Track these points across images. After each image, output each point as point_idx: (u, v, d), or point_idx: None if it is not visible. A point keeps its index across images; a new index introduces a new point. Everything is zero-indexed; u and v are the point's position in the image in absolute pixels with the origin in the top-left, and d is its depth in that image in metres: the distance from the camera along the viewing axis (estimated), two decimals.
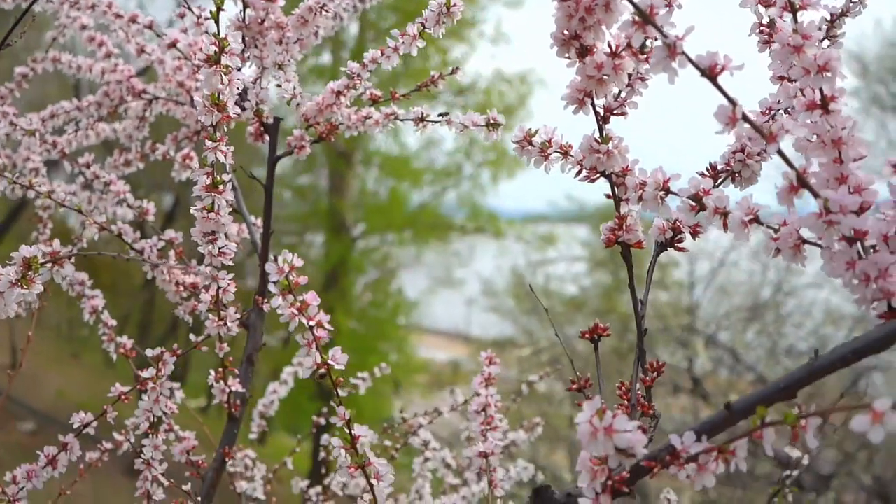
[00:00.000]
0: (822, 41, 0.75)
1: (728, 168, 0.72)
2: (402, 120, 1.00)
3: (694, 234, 0.70)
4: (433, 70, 1.00)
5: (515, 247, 11.58)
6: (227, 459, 1.04)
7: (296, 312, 0.65)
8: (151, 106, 1.24)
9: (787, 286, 6.73)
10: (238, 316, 0.95)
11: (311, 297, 0.66)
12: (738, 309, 6.95)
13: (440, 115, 0.95)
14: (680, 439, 0.54)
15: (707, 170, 0.72)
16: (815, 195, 0.54)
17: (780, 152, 0.53)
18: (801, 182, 0.55)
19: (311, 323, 0.65)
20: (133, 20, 1.14)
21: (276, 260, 0.64)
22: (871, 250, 0.55)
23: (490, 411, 0.99)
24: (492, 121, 0.88)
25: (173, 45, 1.09)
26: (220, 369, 1.00)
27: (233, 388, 1.02)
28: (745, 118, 0.53)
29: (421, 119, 0.99)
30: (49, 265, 0.69)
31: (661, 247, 0.71)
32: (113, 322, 1.15)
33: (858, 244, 0.55)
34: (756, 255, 7.51)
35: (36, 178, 1.27)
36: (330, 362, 0.66)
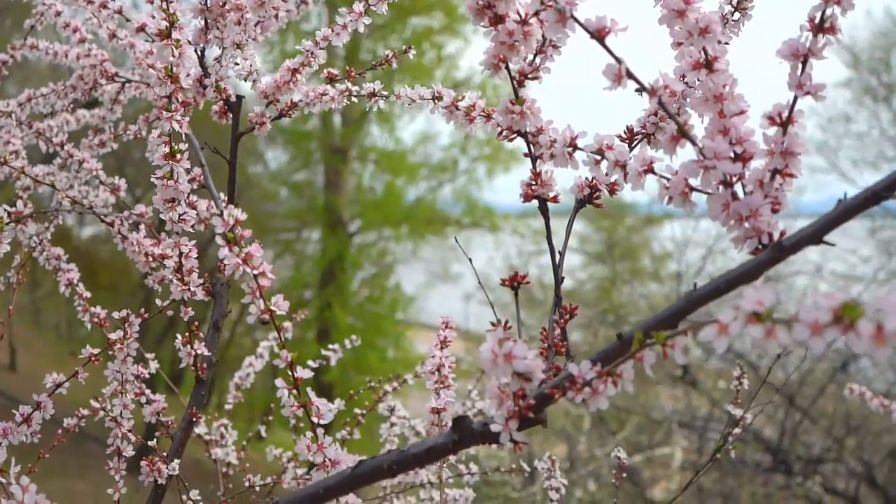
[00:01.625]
0: (732, 13, 0.81)
1: (643, 130, 0.78)
2: (356, 96, 1.06)
3: (611, 192, 0.76)
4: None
5: (511, 241, 11.64)
6: (194, 420, 1.09)
7: (240, 262, 0.70)
8: (124, 89, 1.29)
9: (773, 273, 6.79)
10: (200, 281, 1.00)
11: (255, 249, 0.71)
12: (728, 297, 7.00)
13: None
14: (578, 368, 0.60)
15: (624, 132, 0.78)
16: (693, 143, 0.60)
17: (661, 104, 0.59)
18: (681, 133, 0.60)
19: (256, 272, 0.71)
20: (104, 6, 1.19)
21: (221, 214, 0.70)
22: (752, 195, 0.61)
23: (444, 371, 1.05)
24: (437, 94, 0.94)
25: (142, 28, 1.14)
26: (187, 333, 1.06)
27: (199, 352, 1.07)
28: (630, 75, 0.59)
29: (373, 94, 1.05)
30: (13, 224, 0.75)
31: (580, 203, 0.77)
32: (87, 294, 1.21)
33: (738, 188, 0.61)
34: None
35: (15, 160, 1.32)
36: (273, 308, 0.72)
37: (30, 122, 1.29)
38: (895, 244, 8.24)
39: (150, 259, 1.11)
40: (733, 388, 1.22)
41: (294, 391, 0.73)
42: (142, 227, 1.14)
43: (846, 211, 0.54)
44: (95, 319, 1.16)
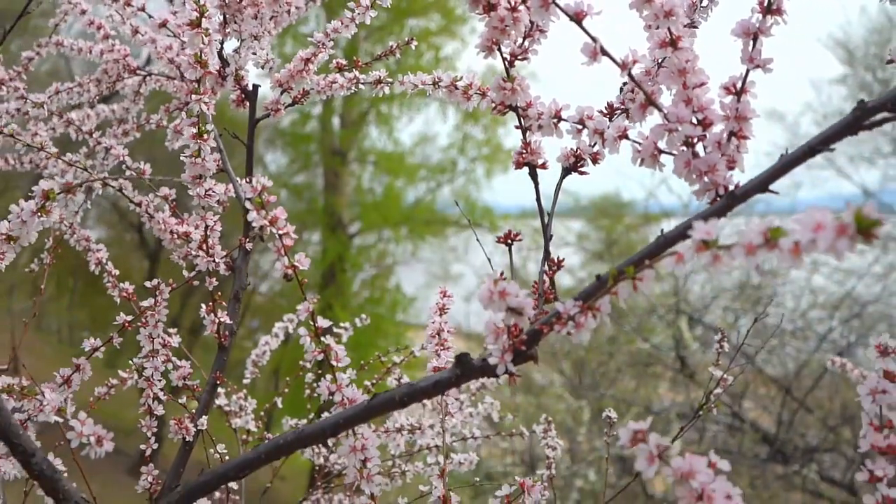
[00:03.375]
0: (701, 0, 0.90)
1: (622, 106, 0.87)
2: (363, 84, 1.16)
3: (594, 160, 0.86)
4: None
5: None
6: (218, 383, 1.19)
7: (267, 224, 0.80)
8: (146, 81, 1.39)
9: (770, 267, 6.90)
10: (224, 253, 1.10)
11: (280, 212, 0.81)
12: (724, 290, 7.13)
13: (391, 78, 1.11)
14: (563, 305, 0.70)
15: (605, 107, 0.87)
16: (659, 110, 0.69)
17: (630, 77, 0.69)
18: (649, 101, 0.70)
19: (281, 232, 0.81)
20: (128, 3, 1.29)
21: (250, 181, 0.79)
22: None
23: (443, 335, 1.14)
24: (436, 80, 1.03)
25: (164, 24, 1.24)
26: (211, 303, 1.16)
27: (222, 320, 1.17)
28: (604, 52, 0.68)
29: (378, 81, 1.15)
30: (63, 195, 0.84)
31: (566, 171, 0.87)
32: (116, 271, 1.30)
33: (699, 149, 0.70)
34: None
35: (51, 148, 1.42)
36: (296, 264, 0.81)
37: (60, 112, 1.38)
38: (891, 238, 8.33)
39: (175, 236, 1.20)
40: (714, 352, 1.32)
41: (316, 338, 0.83)
42: (166, 207, 1.24)
43: (788, 163, 0.64)
44: (124, 294, 1.26)
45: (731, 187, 0.68)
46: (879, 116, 0.63)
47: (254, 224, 0.80)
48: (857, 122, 0.62)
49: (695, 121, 0.70)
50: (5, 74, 1.46)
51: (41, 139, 1.48)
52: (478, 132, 12.07)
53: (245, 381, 1.57)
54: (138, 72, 1.40)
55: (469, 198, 11.83)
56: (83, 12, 1.40)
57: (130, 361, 1.34)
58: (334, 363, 0.83)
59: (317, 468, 1.53)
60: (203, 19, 0.87)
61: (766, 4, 0.69)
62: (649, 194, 9.25)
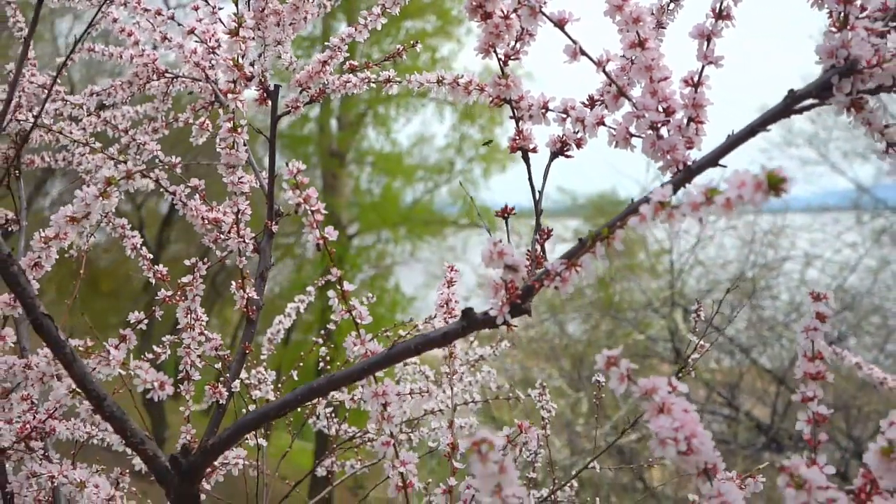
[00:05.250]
0: (669, 4, 1.04)
1: (601, 98, 1.01)
2: (373, 83, 1.30)
3: (578, 145, 0.99)
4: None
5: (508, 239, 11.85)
6: (246, 352, 1.33)
7: (302, 202, 0.94)
8: (173, 83, 1.53)
9: (766, 261, 7.05)
10: (253, 235, 1.24)
11: (312, 192, 0.95)
12: (719, 282, 7.28)
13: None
14: (551, 264, 0.84)
15: (587, 99, 1.01)
16: (630, 100, 0.83)
17: (605, 73, 0.83)
18: (620, 93, 0.84)
19: (313, 209, 0.94)
20: (158, 13, 1.43)
21: (286, 164, 0.93)
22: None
23: (451, 304, 1.28)
24: (440, 78, 1.17)
25: (191, 31, 1.37)
26: (240, 280, 1.30)
27: (250, 296, 1.31)
28: (583, 52, 0.82)
29: (388, 80, 1.29)
30: (124, 181, 0.97)
31: (554, 154, 1.00)
32: (150, 255, 1.44)
33: (664, 132, 0.84)
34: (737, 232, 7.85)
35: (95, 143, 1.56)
36: (325, 235, 0.95)
37: (97, 112, 1.52)
38: (888, 232, 8.47)
39: (206, 222, 1.34)
40: (692, 320, 1.45)
41: (343, 300, 0.97)
42: (196, 196, 1.38)
43: (734, 141, 0.78)
44: (159, 275, 1.40)
45: (690, 163, 0.82)
46: (808, 102, 0.77)
47: (290, 202, 0.94)
48: (787, 107, 0.76)
49: (660, 109, 0.84)
50: (44, 80, 1.59)
51: (77, 136, 1.62)
52: (475, 132, 12.21)
53: (262, 357, 1.70)
54: (166, 74, 1.53)
55: (467, 198, 11.96)
56: (115, 20, 1.54)
57: (163, 339, 1.47)
58: (358, 321, 0.97)
59: (331, 437, 1.66)
60: (241, 28, 1.01)
61: (717, 11, 0.83)
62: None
